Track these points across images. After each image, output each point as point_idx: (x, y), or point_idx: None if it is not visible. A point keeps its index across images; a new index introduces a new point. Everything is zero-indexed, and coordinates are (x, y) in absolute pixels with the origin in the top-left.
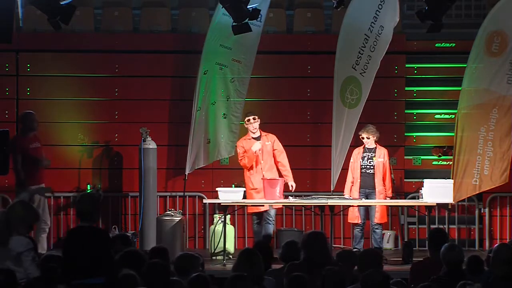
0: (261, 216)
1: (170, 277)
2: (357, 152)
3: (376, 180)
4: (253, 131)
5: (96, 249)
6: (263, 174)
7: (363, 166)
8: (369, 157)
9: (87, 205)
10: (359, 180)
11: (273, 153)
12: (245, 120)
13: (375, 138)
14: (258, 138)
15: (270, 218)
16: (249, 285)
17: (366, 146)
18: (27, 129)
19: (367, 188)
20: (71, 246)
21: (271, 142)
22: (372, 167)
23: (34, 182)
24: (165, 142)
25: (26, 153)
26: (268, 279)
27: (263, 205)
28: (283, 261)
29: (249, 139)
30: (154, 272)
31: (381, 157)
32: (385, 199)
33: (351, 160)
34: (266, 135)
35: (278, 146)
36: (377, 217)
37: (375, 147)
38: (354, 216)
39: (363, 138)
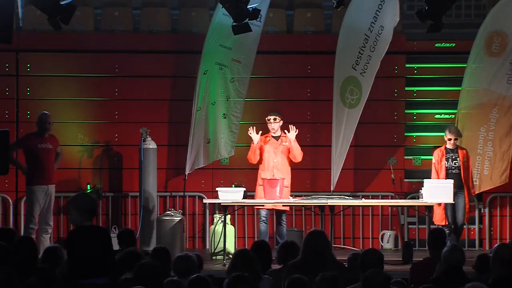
0: (268, 215)
1: (164, 277)
2: (439, 153)
3: (463, 180)
4: (271, 131)
5: (101, 248)
6: (273, 173)
7: (448, 167)
8: (453, 157)
9: (87, 205)
10: None
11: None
12: (266, 118)
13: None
14: (277, 138)
15: (282, 220)
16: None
17: (447, 147)
18: (39, 129)
19: (454, 187)
20: (76, 246)
21: (288, 143)
22: (457, 168)
23: (39, 182)
24: (165, 142)
25: (31, 152)
26: (266, 278)
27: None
28: (280, 264)
29: (268, 137)
30: (145, 272)
31: (464, 157)
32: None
33: (434, 161)
34: (285, 136)
35: None
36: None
37: (456, 148)
38: (441, 218)
39: (450, 139)
